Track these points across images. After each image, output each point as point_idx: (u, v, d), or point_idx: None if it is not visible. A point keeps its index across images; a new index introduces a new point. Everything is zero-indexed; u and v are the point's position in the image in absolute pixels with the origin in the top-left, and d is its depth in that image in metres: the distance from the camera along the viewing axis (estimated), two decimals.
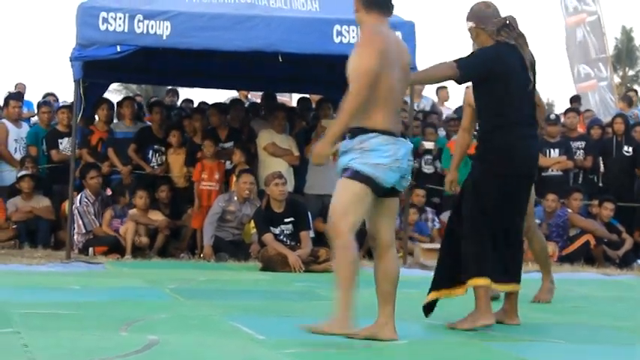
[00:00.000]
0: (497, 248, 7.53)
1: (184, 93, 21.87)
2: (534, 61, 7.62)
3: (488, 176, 7.42)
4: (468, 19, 7.73)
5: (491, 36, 7.60)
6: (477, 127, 8.05)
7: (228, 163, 15.37)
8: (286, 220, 13.18)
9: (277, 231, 13.12)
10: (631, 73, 59.86)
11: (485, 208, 7.48)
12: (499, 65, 7.44)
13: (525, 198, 7.85)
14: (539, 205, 15.84)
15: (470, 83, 7.93)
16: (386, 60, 6.70)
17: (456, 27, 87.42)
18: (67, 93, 17.86)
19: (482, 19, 7.66)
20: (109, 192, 15.17)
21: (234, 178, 14.61)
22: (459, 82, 7.76)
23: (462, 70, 7.37)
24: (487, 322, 7.37)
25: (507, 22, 7.60)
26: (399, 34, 13.61)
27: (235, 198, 14.29)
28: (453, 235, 7.76)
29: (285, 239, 13.12)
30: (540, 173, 16.70)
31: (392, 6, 7.00)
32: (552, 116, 19.56)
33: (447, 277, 7.72)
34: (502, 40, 7.54)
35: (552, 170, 16.63)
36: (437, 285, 7.78)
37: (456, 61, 7.42)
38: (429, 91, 20.19)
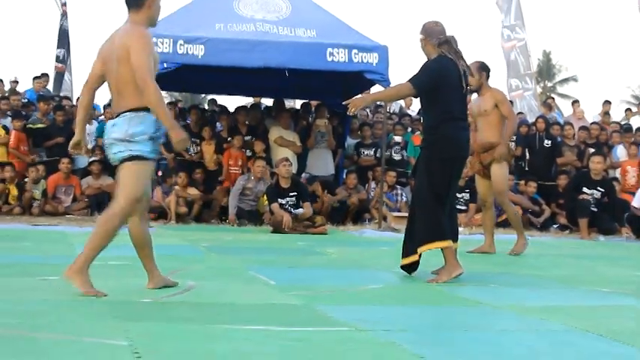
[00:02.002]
0: (447, 215, 7.49)
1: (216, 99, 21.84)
2: (467, 71, 7.58)
3: (437, 159, 7.36)
4: (420, 32, 7.66)
5: (435, 48, 7.55)
6: (423, 122, 7.94)
7: (247, 151, 15.40)
8: (291, 194, 13.27)
9: (284, 201, 13.17)
10: (549, 84, 59.89)
11: (436, 185, 7.41)
12: (442, 76, 7.38)
13: (460, 175, 7.84)
14: None
15: None
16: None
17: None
18: None
19: (430, 33, 7.59)
20: (158, 173, 15.14)
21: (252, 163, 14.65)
22: (416, 97, 7.73)
23: (417, 88, 7.33)
24: (460, 272, 7.31)
25: (448, 40, 7.56)
26: (376, 55, 13.70)
27: (252, 178, 14.33)
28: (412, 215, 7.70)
29: (289, 208, 13.15)
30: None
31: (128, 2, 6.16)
32: None
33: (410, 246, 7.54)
34: (443, 53, 7.49)
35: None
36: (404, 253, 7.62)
37: (410, 81, 7.35)
38: None
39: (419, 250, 7.39)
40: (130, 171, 5.99)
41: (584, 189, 14.36)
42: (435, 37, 7.56)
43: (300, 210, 13.08)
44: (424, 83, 7.35)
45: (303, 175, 15.15)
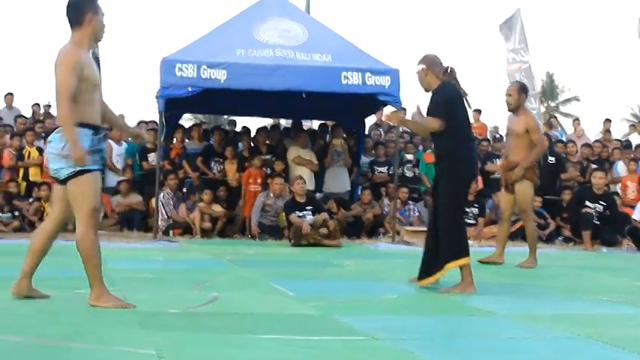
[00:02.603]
0: None
1: (236, 120, 21.91)
2: (467, 95, 7.58)
3: (459, 180, 7.35)
4: (420, 62, 7.63)
5: (437, 77, 7.55)
6: (437, 144, 7.85)
7: (267, 169, 15.41)
8: (307, 208, 13.33)
9: (300, 214, 13.21)
10: (553, 104, 59.80)
11: (461, 204, 7.44)
12: (454, 101, 7.40)
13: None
14: (491, 199, 15.82)
15: None
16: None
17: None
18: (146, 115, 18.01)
19: (433, 63, 7.60)
20: (184, 191, 15.18)
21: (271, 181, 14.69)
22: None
23: (443, 119, 7.27)
24: (473, 292, 7.25)
25: (449, 69, 7.58)
26: (388, 78, 13.71)
27: (271, 194, 14.35)
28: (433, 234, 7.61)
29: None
30: (489, 176, 16.75)
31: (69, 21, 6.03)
32: (497, 135, 19.58)
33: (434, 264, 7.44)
34: (445, 80, 7.50)
35: (498, 174, 16.65)
36: (427, 272, 7.51)
37: (434, 116, 7.31)
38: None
39: (447, 266, 7.34)
40: (79, 186, 5.88)
41: (587, 203, 14.32)
42: (438, 67, 7.59)
43: (314, 217, 13.09)
44: (447, 115, 7.32)
45: (318, 194, 15.13)
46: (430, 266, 7.51)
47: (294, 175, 14.79)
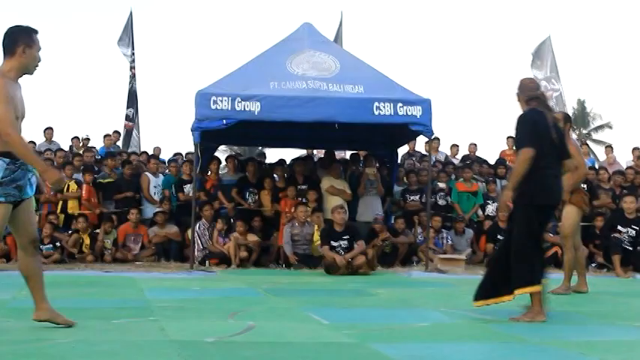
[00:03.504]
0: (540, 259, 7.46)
1: (270, 151, 22.07)
2: (556, 122, 7.55)
3: (533, 207, 7.28)
4: (516, 88, 7.71)
5: (526, 102, 7.57)
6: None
7: (303, 199, 15.44)
8: (344, 237, 13.28)
9: (336, 244, 13.20)
10: (584, 131, 59.44)
11: (534, 231, 7.31)
12: (535, 129, 7.34)
13: (549, 219, 7.87)
14: None
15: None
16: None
17: (465, 101, 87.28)
18: (182, 148, 18.18)
19: (522, 90, 7.62)
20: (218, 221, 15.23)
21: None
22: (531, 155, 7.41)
23: (532, 146, 7.19)
24: (542, 319, 7.19)
25: (537, 95, 7.58)
26: (419, 108, 13.74)
27: (296, 224, 14.38)
28: (501, 258, 7.55)
29: (340, 250, 13.15)
30: None
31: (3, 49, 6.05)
32: None
33: (494, 288, 7.42)
34: (532, 107, 7.47)
35: None
36: (485, 295, 7.48)
37: (523, 145, 7.25)
38: (444, 147, 20.06)
39: (515, 292, 7.26)
40: None
41: (619, 227, 14.24)
42: (525, 92, 7.60)
43: (351, 253, 13.07)
44: (533, 140, 7.26)
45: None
46: (488, 289, 7.47)
47: (328, 204, 14.85)
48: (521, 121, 7.44)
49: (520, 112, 7.58)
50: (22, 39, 6.00)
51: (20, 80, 6.10)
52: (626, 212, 14.42)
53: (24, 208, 6.08)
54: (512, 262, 7.28)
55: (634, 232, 14.26)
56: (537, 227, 7.36)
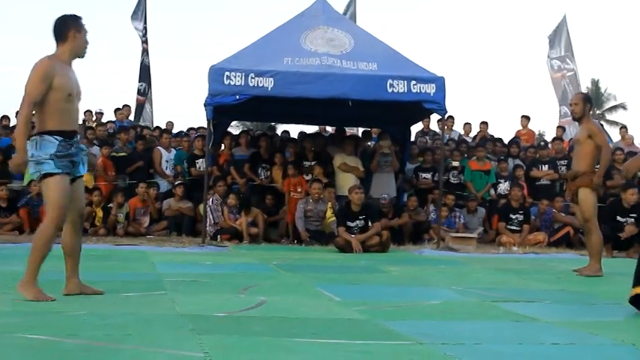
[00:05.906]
0: None
1: (282, 127, 22.05)
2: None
3: None
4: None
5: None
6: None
7: (309, 176, 15.43)
8: (360, 217, 13.18)
9: (352, 224, 13.13)
10: (598, 112, 59.16)
11: None
12: None
13: None
14: (535, 207, 15.70)
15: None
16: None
17: (480, 79, 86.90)
18: (195, 122, 18.16)
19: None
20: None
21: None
22: None
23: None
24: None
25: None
26: (433, 86, 13.68)
27: (310, 200, 14.37)
28: None
29: (356, 230, 13.08)
30: (535, 182, 16.63)
31: (54, 36, 6.50)
32: (542, 143, 19.46)
33: None
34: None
35: (543, 180, 16.56)
36: None
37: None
38: (458, 126, 19.94)
39: None
40: (46, 188, 6.28)
41: (618, 217, 14.02)
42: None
43: (367, 233, 13.02)
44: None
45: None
46: None
47: (341, 181, 14.82)
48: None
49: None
50: (71, 25, 6.48)
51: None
52: (625, 202, 14.16)
53: (77, 185, 6.47)
54: None
55: (632, 220, 14.02)
56: None
